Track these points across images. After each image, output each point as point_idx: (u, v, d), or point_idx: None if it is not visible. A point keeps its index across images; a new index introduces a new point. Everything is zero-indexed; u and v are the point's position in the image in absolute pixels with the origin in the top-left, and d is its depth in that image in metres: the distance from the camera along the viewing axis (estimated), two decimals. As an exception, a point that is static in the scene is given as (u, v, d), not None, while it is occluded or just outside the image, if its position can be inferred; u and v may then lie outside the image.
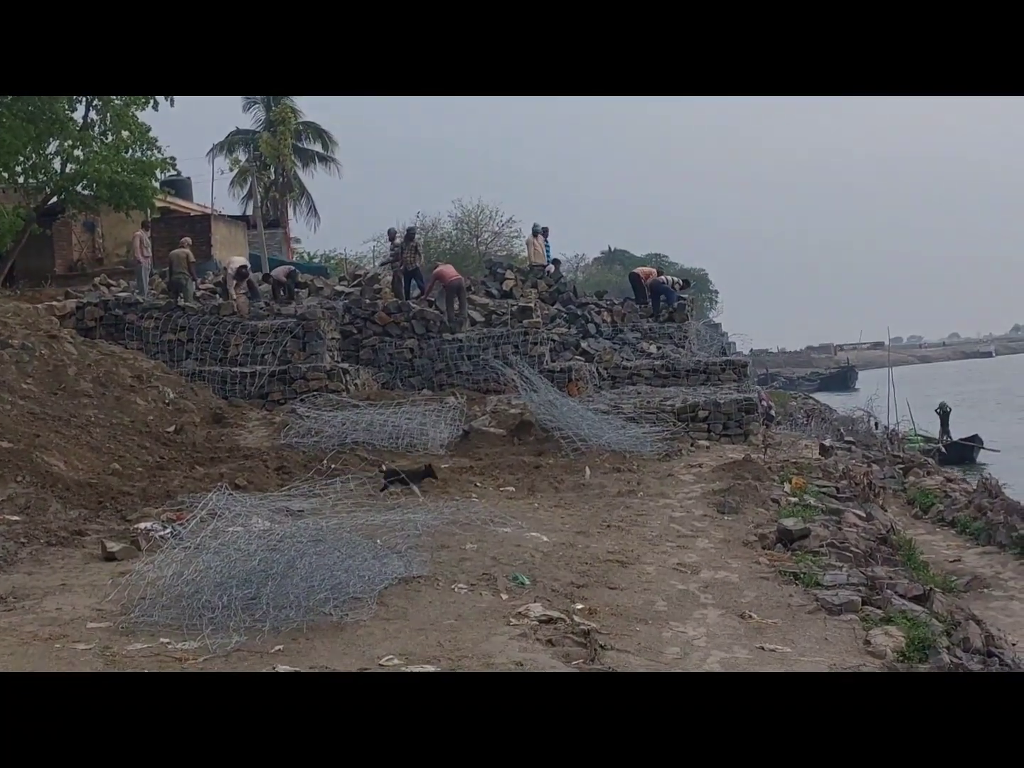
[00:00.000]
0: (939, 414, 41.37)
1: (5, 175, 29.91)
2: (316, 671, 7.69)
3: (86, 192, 30.26)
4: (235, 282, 27.71)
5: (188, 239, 29.89)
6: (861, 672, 7.46)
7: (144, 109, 30.15)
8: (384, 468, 15.19)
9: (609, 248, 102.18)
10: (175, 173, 34.02)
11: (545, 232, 34.82)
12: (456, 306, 28.09)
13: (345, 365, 25.43)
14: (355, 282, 33.17)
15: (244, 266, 28.71)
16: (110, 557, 11.22)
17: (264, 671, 7.68)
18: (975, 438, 40.40)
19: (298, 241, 38.68)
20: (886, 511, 18.79)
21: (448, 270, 29.31)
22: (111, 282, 30.43)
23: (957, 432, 40.96)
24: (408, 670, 7.80)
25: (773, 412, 33.84)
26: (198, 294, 28.32)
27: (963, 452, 39.40)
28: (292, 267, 30.96)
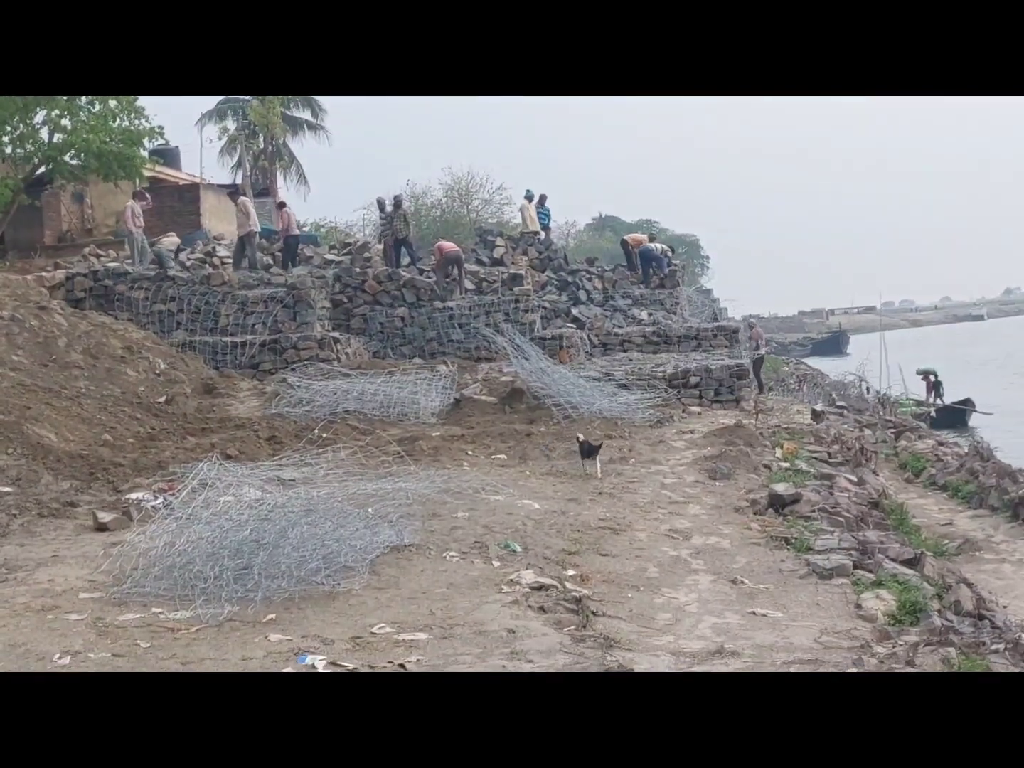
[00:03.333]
0: (930, 380, 41.33)
1: (-8, 145, 29.78)
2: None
3: (74, 162, 30.08)
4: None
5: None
6: (858, 673, 7.47)
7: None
8: (580, 439, 15.60)
9: (600, 214, 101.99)
10: (163, 142, 33.75)
11: (543, 199, 34.63)
12: (453, 275, 28.11)
13: (336, 334, 25.39)
14: (345, 251, 33.07)
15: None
16: (102, 528, 11.21)
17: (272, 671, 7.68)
18: (967, 401, 40.42)
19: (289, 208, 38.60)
20: (878, 475, 18.83)
21: (446, 244, 29.63)
22: (100, 252, 30.24)
23: (949, 396, 40.97)
24: (399, 637, 7.83)
25: (763, 343, 33.61)
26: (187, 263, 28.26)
27: (955, 416, 39.42)
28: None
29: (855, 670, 7.23)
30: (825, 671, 7.31)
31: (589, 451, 15.29)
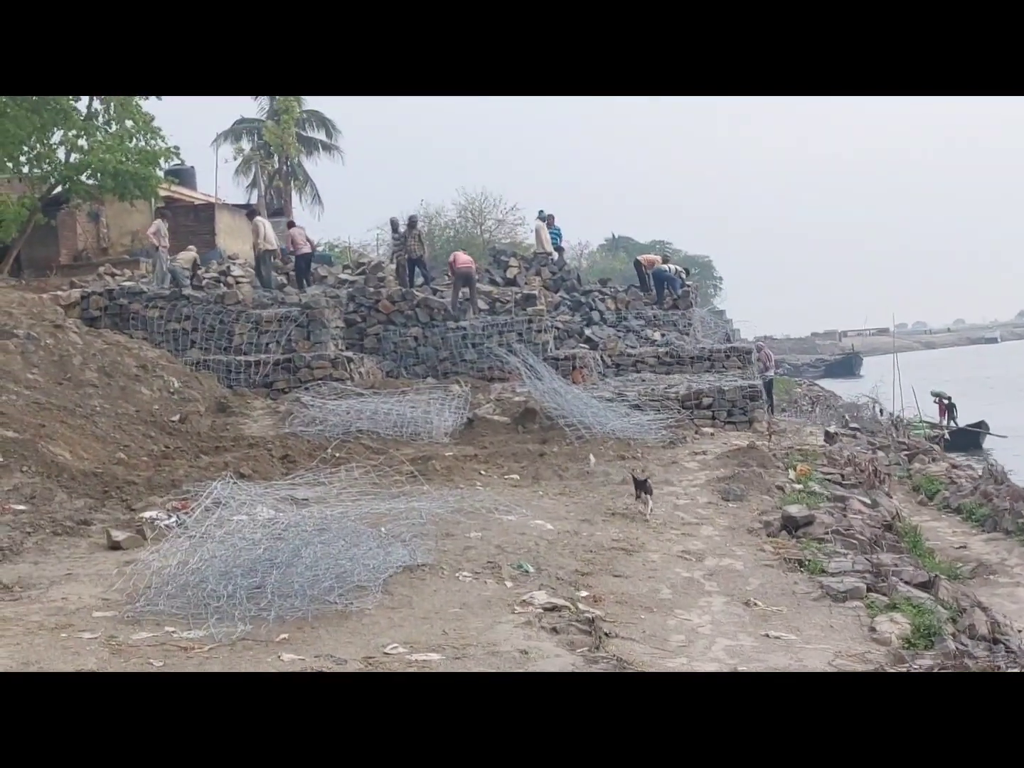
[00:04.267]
0: (943, 403, 41.20)
1: (10, 165, 29.90)
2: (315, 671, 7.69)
3: (90, 182, 30.21)
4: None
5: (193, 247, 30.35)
6: (859, 672, 7.45)
7: (147, 99, 30.14)
8: (635, 476, 14.54)
9: (613, 235, 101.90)
10: (179, 162, 33.95)
11: (551, 219, 34.68)
12: (463, 295, 28.09)
13: (349, 354, 25.42)
14: (359, 270, 33.15)
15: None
16: (115, 546, 11.24)
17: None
18: (982, 424, 40.27)
19: (300, 227, 38.44)
20: (891, 498, 18.80)
21: (460, 256, 29.21)
22: (116, 271, 30.39)
23: (963, 419, 40.83)
24: (412, 657, 7.83)
25: (772, 364, 33.42)
26: (203, 282, 28.38)
27: (969, 438, 39.27)
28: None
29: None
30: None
31: (642, 486, 14.20)
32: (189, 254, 29.03)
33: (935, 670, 8.03)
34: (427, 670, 7.59)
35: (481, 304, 28.51)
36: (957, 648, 8.99)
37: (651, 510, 14.04)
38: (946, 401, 40.85)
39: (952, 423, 40.28)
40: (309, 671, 7.36)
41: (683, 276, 34.50)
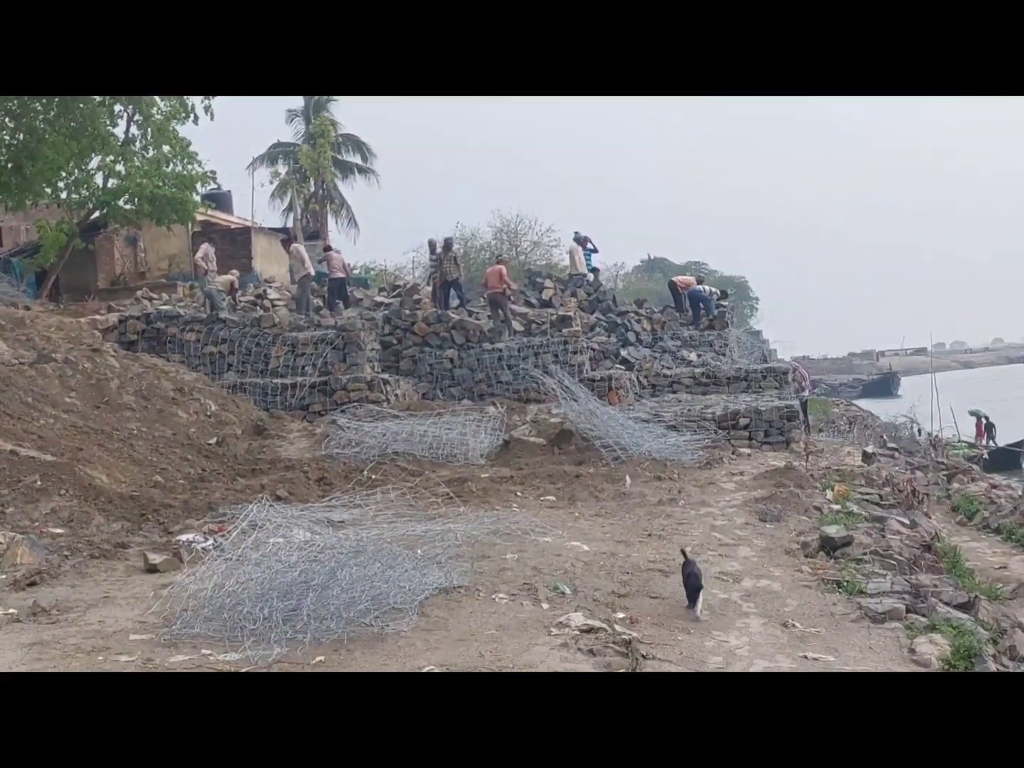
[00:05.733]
0: (981, 422, 40.89)
1: (48, 191, 30.24)
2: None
3: (128, 206, 30.49)
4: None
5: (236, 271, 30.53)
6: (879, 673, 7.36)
7: (184, 123, 30.42)
8: (696, 584, 10.38)
9: (648, 256, 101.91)
10: (216, 187, 34.27)
11: (586, 241, 34.69)
12: (500, 316, 28.12)
13: (385, 376, 25.47)
14: (395, 293, 33.26)
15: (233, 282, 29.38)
16: (152, 569, 11.28)
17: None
18: (1022, 443, 39.93)
19: (337, 251, 38.57)
20: (930, 518, 18.64)
21: (491, 276, 29.08)
22: (153, 295, 30.64)
23: (1002, 438, 40.49)
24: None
25: (807, 384, 33.20)
26: (239, 305, 28.56)
27: (1009, 457, 38.96)
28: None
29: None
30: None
31: (696, 588, 10.51)
32: (227, 277, 29.22)
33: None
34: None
35: (517, 326, 28.48)
36: (998, 669, 8.89)
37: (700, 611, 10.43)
38: (984, 420, 40.55)
39: (991, 443, 39.97)
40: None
41: (716, 296, 34.41)
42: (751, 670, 8.78)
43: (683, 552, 11.20)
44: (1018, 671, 7.88)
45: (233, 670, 8.05)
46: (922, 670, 8.81)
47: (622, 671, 7.48)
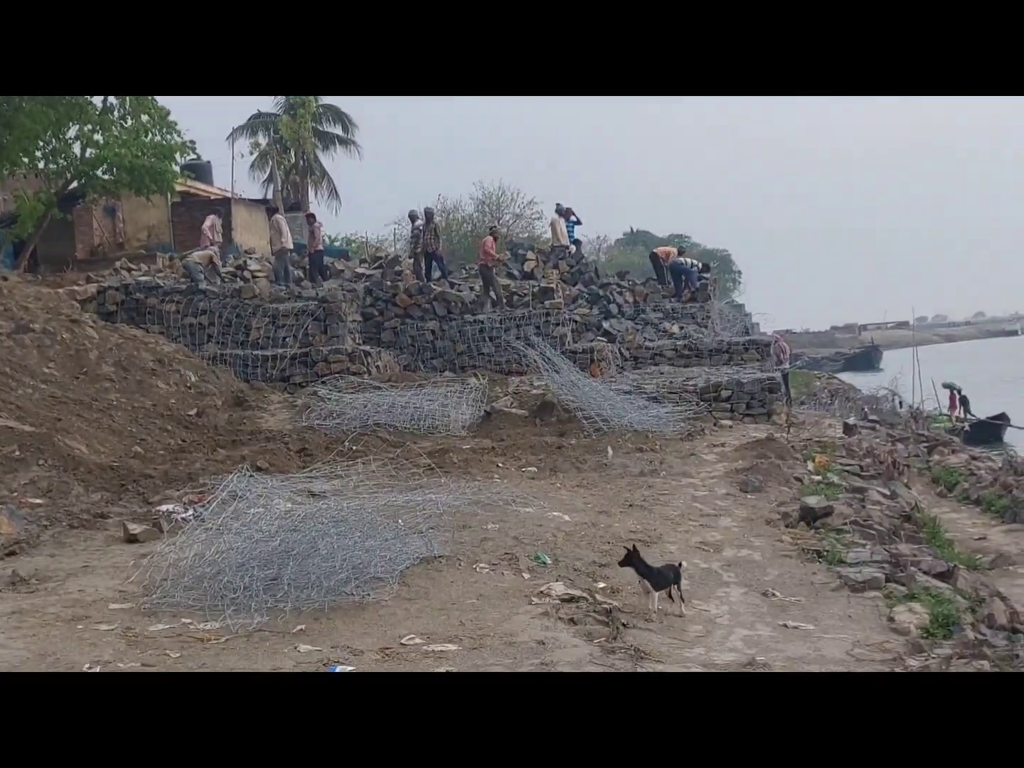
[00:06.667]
0: (954, 395, 40.94)
1: (25, 160, 29.94)
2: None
3: (106, 176, 30.25)
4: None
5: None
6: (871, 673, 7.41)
7: (162, 93, 30.21)
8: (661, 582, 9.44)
9: (631, 229, 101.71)
10: (195, 157, 33.97)
11: (568, 212, 34.67)
12: (489, 289, 28.23)
13: (367, 347, 25.45)
14: (376, 264, 33.19)
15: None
16: (132, 539, 11.24)
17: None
18: (1002, 416, 40.03)
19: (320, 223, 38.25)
20: (910, 489, 18.71)
21: (481, 248, 29.34)
22: (132, 266, 30.44)
23: (981, 411, 40.58)
24: (428, 647, 7.81)
25: (787, 357, 33.26)
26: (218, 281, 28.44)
27: (989, 431, 39.04)
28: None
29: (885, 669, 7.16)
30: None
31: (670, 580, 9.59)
32: (206, 253, 29.04)
33: (954, 659, 7.97)
34: (444, 660, 7.57)
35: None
36: (976, 637, 8.92)
37: (682, 608, 9.58)
38: (958, 393, 40.64)
39: (969, 415, 40.05)
40: (319, 671, 7.33)
41: (698, 268, 34.38)
42: (731, 638, 8.82)
43: (678, 564, 9.88)
44: (1018, 671, 7.88)
45: (213, 639, 8.04)
46: (902, 639, 8.84)
47: (622, 671, 7.45)
